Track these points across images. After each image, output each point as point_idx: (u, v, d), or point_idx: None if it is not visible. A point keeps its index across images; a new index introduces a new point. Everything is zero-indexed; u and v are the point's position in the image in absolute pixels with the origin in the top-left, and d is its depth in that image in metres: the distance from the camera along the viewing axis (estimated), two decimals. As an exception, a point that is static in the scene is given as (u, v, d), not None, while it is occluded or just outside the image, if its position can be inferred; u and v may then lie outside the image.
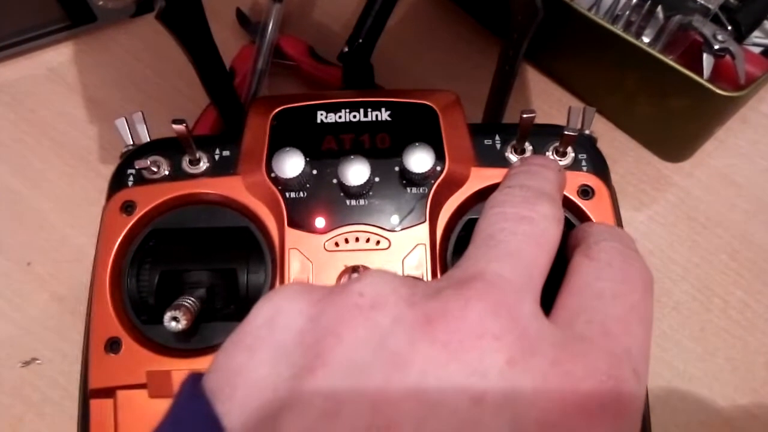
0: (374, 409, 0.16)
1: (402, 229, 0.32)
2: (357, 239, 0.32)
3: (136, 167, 0.34)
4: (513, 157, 0.35)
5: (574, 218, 0.34)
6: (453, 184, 0.34)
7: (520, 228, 0.21)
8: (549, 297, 0.22)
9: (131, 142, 0.37)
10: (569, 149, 0.35)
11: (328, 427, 0.16)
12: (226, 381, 0.18)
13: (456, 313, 0.18)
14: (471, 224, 0.34)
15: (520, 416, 0.17)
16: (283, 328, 0.19)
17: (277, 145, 0.33)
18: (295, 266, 0.32)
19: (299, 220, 0.32)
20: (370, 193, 0.33)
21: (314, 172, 0.33)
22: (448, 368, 0.17)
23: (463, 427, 0.16)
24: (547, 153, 0.35)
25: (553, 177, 0.25)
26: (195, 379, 0.19)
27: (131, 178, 0.35)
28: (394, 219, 0.33)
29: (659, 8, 0.48)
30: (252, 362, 0.19)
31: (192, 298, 0.31)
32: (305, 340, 0.19)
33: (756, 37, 0.52)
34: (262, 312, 0.20)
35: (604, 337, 0.19)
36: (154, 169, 0.34)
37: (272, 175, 0.33)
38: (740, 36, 0.49)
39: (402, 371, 0.17)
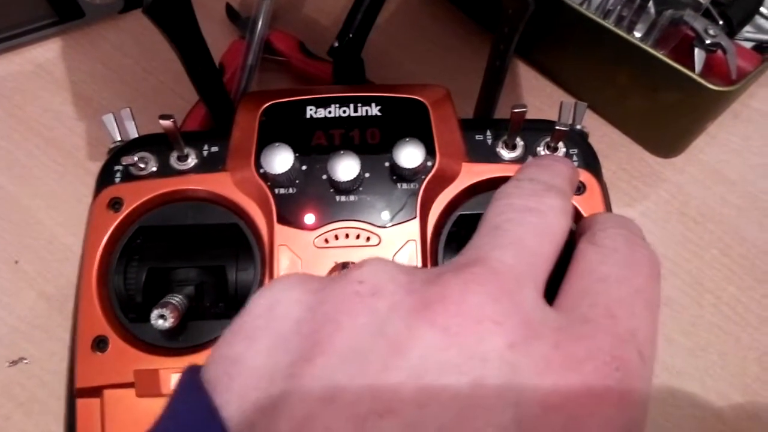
0: (373, 395, 0.16)
1: (392, 225, 0.32)
2: (347, 236, 0.32)
3: (124, 163, 0.34)
4: (504, 152, 0.35)
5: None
6: (444, 179, 0.34)
7: (527, 218, 0.21)
8: (555, 290, 0.21)
9: (119, 139, 0.37)
10: (560, 144, 0.35)
11: (327, 413, 0.16)
12: (224, 371, 0.18)
13: (455, 298, 0.18)
14: (462, 220, 0.34)
15: (524, 399, 0.17)
16: (281, 318, 0.19)
17: (266, 140, 0.33)
18: (284, 263, 0.32)
19: (288, 216, 0.32)
20: (360, 189, 0.33)
21: (303, 167, 0.33)
22: (447, 353, 0.17)
23: (465, 410, 0.16)
24: (538, 148, 0.35)
25: (565, 171, 0.25)
26: (194, 371, 0.19)
27: (118, 174, 0.34)
28: (385, 215, 0.32)
29: (651, 3, 0.48)
30: (250, 352, 0.18)
31: (179, 296, 0.31)
32: (302, 329, 0.18)
33: (747, 32, 0.52)
34: (260, 302, 0.20)
35: (608, 319, 0.19)
36: (142, 166, 0.34)
37: (261, 171, 0.33)
38: (732, 31, 0.49)
39: (401, 356, 0.17)
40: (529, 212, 0.21)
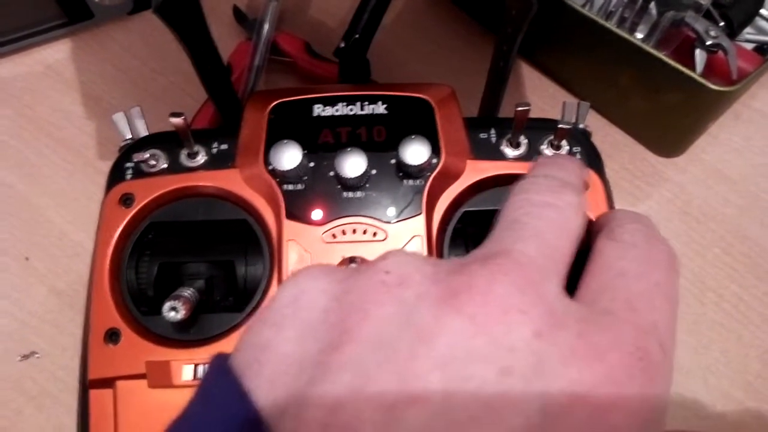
0: (401, 383, 0.17)
1: (398, 221, 0.33)
2: (354, 231, 0.33)
3: (135, 160, 0.35)
4: (508, 150, 0.35)
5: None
6: (449, 176, 0.34)
7: (545, 213, 0.21)
8: (573, 288, 0.22)
9: (129, 136, 0.37)
10: (564, 143, 0.36)
11: (355, 402, 0.16)
12: (254, 357, 0.19)
13: (482, 288, 0.18)
14: (467, 216, 0.34)
15: (549, 388, 0.17)
16: (308, 307, 0.19)
17: (275, 138, 0.33)
18: (292, 258, 0.32)
19: (297, 212, 0.33)
20: (367, 185, 0.33)
21: (311, 164, 0.34)
22: (474, 341, 0.17)
23: (492, 399, 0.16)
24: (541, 146, 0.36)
25: (578, 170, 0.25)
26: (222, 358, 0.19)
27: (130, 171, 0.35)
28: (391, 211, 0.33)
29: (652, 4, 0.49)
30: (278, 339, 0.19)
31: (191, 289, 0.31)
32: (330, 318, 0.19)
33: (748, 33, 0.52)
34: (286, 292, 0.20)
35: (629, 312, 0.19)
36: (153, 163, 0.35)
37: (270, 167, 0.33)
38: (732, 32, 0.50)
39: (429, 344, 0.17)
40: (547, 207, 0.22)
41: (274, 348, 0.19)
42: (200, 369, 0.31)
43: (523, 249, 0.20)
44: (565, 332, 0.18)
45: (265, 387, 0.18)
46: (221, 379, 0.18)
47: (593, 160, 0.36)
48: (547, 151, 0.36)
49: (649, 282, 0.20)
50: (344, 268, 0.21)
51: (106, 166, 0.36)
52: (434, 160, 0.34)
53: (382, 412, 0.16)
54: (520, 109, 0.33)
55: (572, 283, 0.21)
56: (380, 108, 0.35)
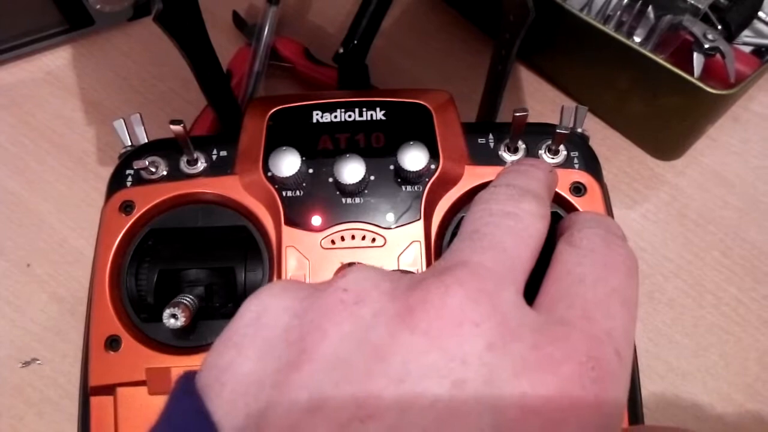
0: (356, 401, 0.17)
1: (397, 227, 0.33)
2: (353, 237, 0.33)
3: (135, 168, 0.35)
4: (506, 156, 0.36)
5: (566, 214, 0.34)
6: (447, 182, 0.34)
7: (504, 223, 0.22)
8: (536, 292, 0.22)
9: (129, 143, 0.38)
10: (561, 147, 0.36)
11: (311, 422, 0.17)
12: (215, 378, 0.19)
13: (436, 302, 0.18)
14: (465, 221, 0.34)
15: (502, 401, 0.17)
16: (269, 325, 0.20)
17: (274, 144, 0.34)
18: (291, 264, 0.32)
19: (296, 218, 0.33)
20: (366, 191, 0.33)
21: (310, 171, 0.34)
22: (428, 356, 0.17)
23: (445, 413, 0.17)
24: (539, 151, 0.36)
25: (541, 176, 0.25)
26: (188, 377, 0.19)
27: (130, 178, 0.35)
28: (390, 217, 0.33)
29: (650, 8, 0.49)
30: (239, 359, 0.19)
31: (190, 296, 0.31)
32: (290, 337, 0.19)
33: (746, 36, 0.52)
34: (248, 310, 0.20)
35: (584, 320, 0.19)
36: (153, 170, 0.35)
37: (269, 174, 0.33)
38: (730, 35, 0.50)
39: (384, 362, 0.17)
40: (506, 216, 0.22)
41: (234, 369, 0.19)
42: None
43: (480, 259, 0.20)
44: (519, 343, 0.18)
45: (225, 408, 0.18)
46: (185, 401, 0.19)
47: (591, 164, 0.36)
48: (544, 155, 0.36)
49: (606, 288, 0.20)
50: (307, 285, 0.21)
51: (106, 172, 0.36)
52: (432, 166, 0.34)
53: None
54: (518, 114, 0.33)
55: (535, 287, 0.22)
56: (379, 114, 0.35)
